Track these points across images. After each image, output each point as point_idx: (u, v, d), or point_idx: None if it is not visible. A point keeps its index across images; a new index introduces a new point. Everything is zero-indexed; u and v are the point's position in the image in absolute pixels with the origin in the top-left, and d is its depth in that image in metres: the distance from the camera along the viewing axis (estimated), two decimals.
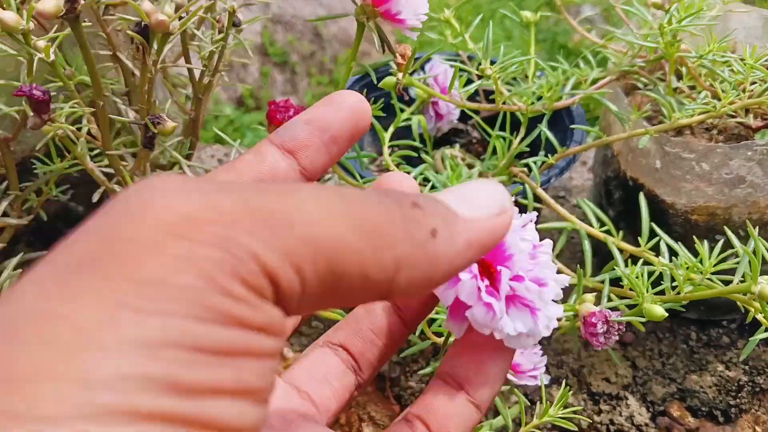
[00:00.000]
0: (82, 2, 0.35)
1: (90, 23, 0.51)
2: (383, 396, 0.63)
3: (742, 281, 0.42)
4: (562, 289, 0.30)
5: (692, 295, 0.44)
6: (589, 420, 0.61)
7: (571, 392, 0.62)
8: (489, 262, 0.29)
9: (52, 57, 0.41)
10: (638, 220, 0.57)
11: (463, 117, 0.70)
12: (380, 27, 0.42)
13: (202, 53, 0.50)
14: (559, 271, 0.31)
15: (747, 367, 0.63)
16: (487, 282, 0.28)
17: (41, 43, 0.41)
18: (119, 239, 0.17)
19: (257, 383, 0.18)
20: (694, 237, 0.57)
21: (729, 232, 0.45)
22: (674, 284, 0.45)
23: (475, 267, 0.28)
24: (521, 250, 0.28)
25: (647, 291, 0.45)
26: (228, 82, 0.57)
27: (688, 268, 0.44)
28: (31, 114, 0.38)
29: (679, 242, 0.55)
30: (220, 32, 0.51)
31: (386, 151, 0.59)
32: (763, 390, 0.62)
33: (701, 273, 0.44)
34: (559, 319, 0.30)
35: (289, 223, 0.18)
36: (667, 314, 0.42)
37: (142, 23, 0.38)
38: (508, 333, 0.28)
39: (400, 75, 0.52)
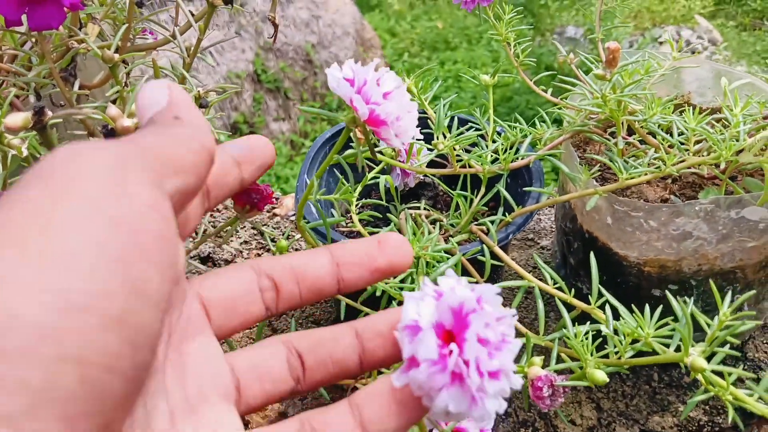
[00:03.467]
0: (50, 114, 0.38)
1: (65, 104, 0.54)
2: None
3: (679, 346, 0.45)
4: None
5: (634, 361, 0.46)
6: None
7: None
8: (452, 332, 0.30)
9: (25, 153, 0.44)
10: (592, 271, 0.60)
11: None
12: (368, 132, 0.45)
13: None
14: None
15: (707, 407, 0.66)
16: (449, 350, 0.29)
17: (15, 141, 0.45)
18: None
19: None
20: (643, 291, 0.60)
21: (670, 297, 0.48)
22: (617, 348, 0.48)
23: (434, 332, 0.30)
24: (485, 340, 0.29)
25: (591, 355, 0.47)
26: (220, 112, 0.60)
27: (628, 334, 0.47)
28: None
29: (633, 292, 0.58)
30: None
31: (353, 209, 0.62)
32: (723, 429, 0.65)
33: (642, 338, 0.47)
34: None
35: None
36: (607, 379, 0.45)
37: (109, 126, 0.41)
38: (439, 407, 0.30)
39: (360, 148, 0.55)
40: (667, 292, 0.49)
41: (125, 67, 0.56)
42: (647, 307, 0.48)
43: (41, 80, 0.50)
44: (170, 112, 0.30)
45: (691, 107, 0.61)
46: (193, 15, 0.57)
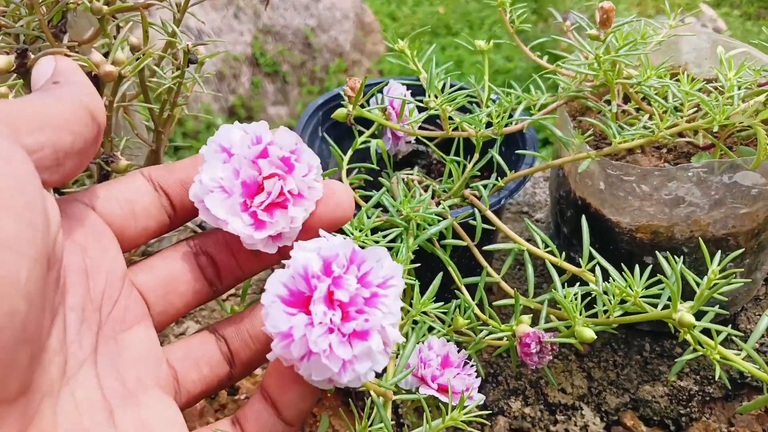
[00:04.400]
0: (32, 57, 0.38)
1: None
2: (347, 410, 0.65)
3: (668, 306, 0.45)
4: (511, 306, 0.31)
5: (622, 320, 0.46)
6: (544, 430, 0.63)
7: (528, 403, 0.65)
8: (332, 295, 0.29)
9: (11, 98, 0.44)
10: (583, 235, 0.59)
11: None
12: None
13: (160, 90, 0.52)
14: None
15: (698, 377, 0.66)
16: (309, 319, 0.28)
17: (2, 89, 0.44)
18: None
19: None
20: (635, 258, 0.59)
21: (660, 256, 0.48)
22: (606, 307, 0.47)
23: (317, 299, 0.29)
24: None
25: (580, 314, 0.47)
26: (189, 114, 0.60)
27: (617, 294, 0.46)
28: None
29: (625, 260, 0.58)
30: (177, 69, 0.53)
31: (344, 174, 0.62)
32: (714, 399, 0.65)
33: (631, 297, 0.47)
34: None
35: None
36: (595, 336, 0.45)
37: (92, 73, 0.41)
38: (305, 376, 0.29)
39: (350, 107, 0.54)
40: (657, 253, 0.49)
41: (114, 21, 0.56)
42: (637, 269, 0.48)
43: (30, 32, 0.50)
44: (52, 79, 0.31)
45: (687, 76, 0.60)
46: None
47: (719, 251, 0.61)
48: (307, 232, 0.35)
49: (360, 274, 0.29)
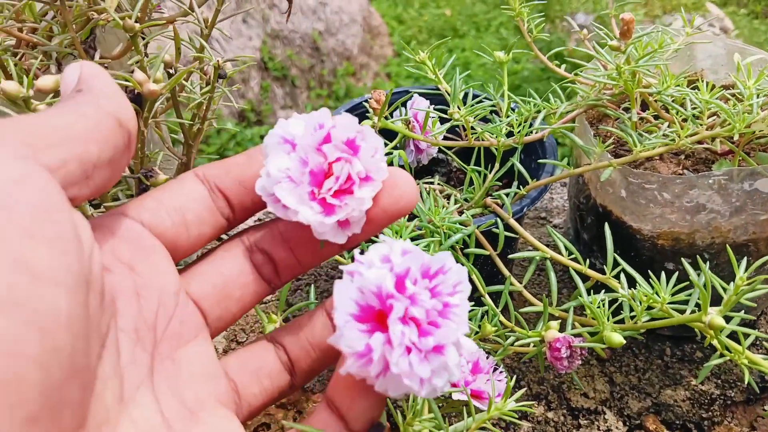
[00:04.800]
0: None
1: None
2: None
3: (694, 311, 0.46)
4: (533, 313, 0.31)
5: (649, 324, 0.47)
6: None
7: (551, 408, 0.65)
8: (384, 312, 0.29)
9: None
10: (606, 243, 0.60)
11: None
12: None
13: (191, 105, 0.53)
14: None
15: (719, 381, 0.66)
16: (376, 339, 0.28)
17: (41, 106, 0.45)
18: None
19: None
20: (656, 265, 0.60)
21: (686, 264, 0.49)
22: (633, 313, 0.48)
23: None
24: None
25: (608, 320, 0.48)
26: (214, 127, 0.61)
27: (644, 300, 0.47)
28: None
29: (646, 266, 0.58)
30: (207, 84, 0.54)
31: None
32: (735, 402, 0.65)
33: (658, 303, 0.48)
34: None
35: None
36: (624, 341, 0.46)
37: (135, 91, 0.42)
38: (381, 391, 0.29)
39: (375, 119, 0.55)
40: (683, 260, 0.49)
41: (143, 39, 0.57)
42: (663, 275, 0.49)
43: (63, 49, 0.51)
44: (76, 87, 0.30)
45: (704, 83, 0.61)
46: None
47: (740, 258, 0.62)
48: (370, 223, 0.33)
49: (431, 285, 0.29)
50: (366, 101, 0.76)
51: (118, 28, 0.54)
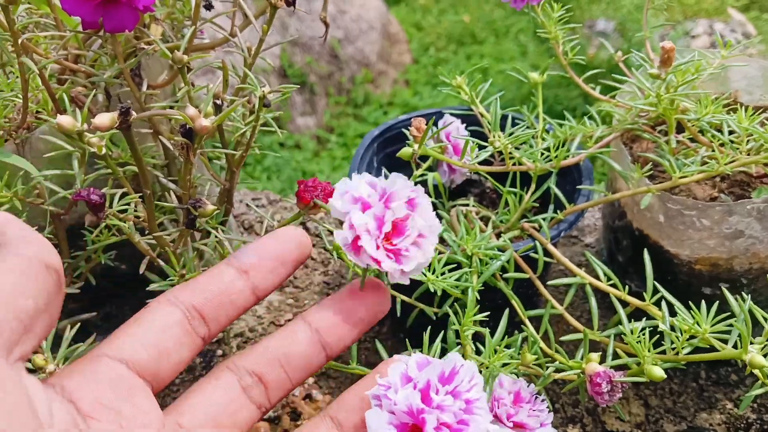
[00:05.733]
0: (134, 115, 0.40)
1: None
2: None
3: (735, 346, 0.46)
4: (573, 340, 0.37)
5: (691, 357, 0.47)
6: None
7: (586, 431, 0.65)
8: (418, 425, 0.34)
9: (104, 151, 0.46)
10: (644, 269, 0.60)
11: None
12: None
13: (236, 134, 0.54)
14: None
15: (755, 405, 0.66)
16: None
17: (94, 139, 0.46)
18: None
19: None
20: (693, 289, 0.60)
21: (727, 293, 0.49)
22: (674, 345, 0.48)
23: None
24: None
25: (648, 351, 0.48)
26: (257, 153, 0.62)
27: (685, 330, 0.47)
28: (88, 213, 0.43)
29: (683, 290, 0.58)
30: (251, 113, 0.55)
31: None
32: None
33: (700, 334, 0.48)
34: None
35: None
36: (665, 376, 0.46)
37: (187, 126, 0.43)
38: None
39: (416, 146, 0.56)
40: (722, 288, 0.49)
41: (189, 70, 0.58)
42: (703, 304, 0.49)
43: (112, 80, 0.52)
44: None
45: (740, 105, 0.61)
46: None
47: None
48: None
49: (451, 389, 0.34)
50: (398, 124, 0.76)
51: (165, 58, 0.55)
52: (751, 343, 0.45)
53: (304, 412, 0.69)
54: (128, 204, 0.49)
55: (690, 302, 0.49)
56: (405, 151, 0.56)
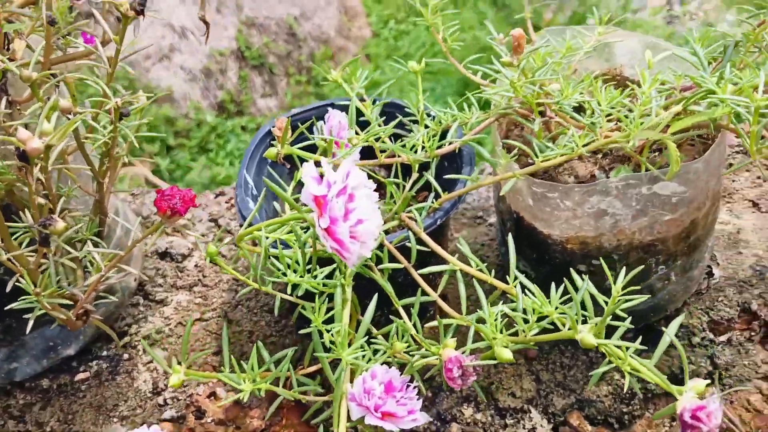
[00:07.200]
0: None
1: None
2: (308, 426, 0.69)
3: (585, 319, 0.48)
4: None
5: (536, 338, 0.49)
6: None
7: (479, 409, 0.68)
8: None
9: None
10: (525, 249, 0.62)
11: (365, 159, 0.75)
12: None
13: (95, 145, 0.55)
14: None
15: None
16: None
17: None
18: None
19: None
20: (569, 267, 0.62)
21: (575, 275, 0.50)
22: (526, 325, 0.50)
23: None
24: None
25: (501, 332, 0.50)
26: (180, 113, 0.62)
27: (535, 311, 0.49)
28: None
29: (561, 269, 0.60)
30: (112, 123, 0.56)
31: (287, 208, 0.64)
32: (656, 395, 0.67)
33: (548, 315, 0.50)
34: None
35: None
36: (512, 359, 0.48)
37: (21, 149, 0.43)
38: None
39: (279, 146, 0.57)
40: (571, 271, 0.51)
41: (53, 79, 0.58)
42: (553, 286, 0.51)
43: None
44: None
45: (623, 79, 0.62)
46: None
47: (650, 257, 0.63)
48: None
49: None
50: (292, 117, 0.77)
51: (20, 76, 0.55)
52: (585, 323, 0.47)
53: (208, 410, 0.70)
54: None
55: (566, 280, 0.51)
56: (270, 152, 0.57)
